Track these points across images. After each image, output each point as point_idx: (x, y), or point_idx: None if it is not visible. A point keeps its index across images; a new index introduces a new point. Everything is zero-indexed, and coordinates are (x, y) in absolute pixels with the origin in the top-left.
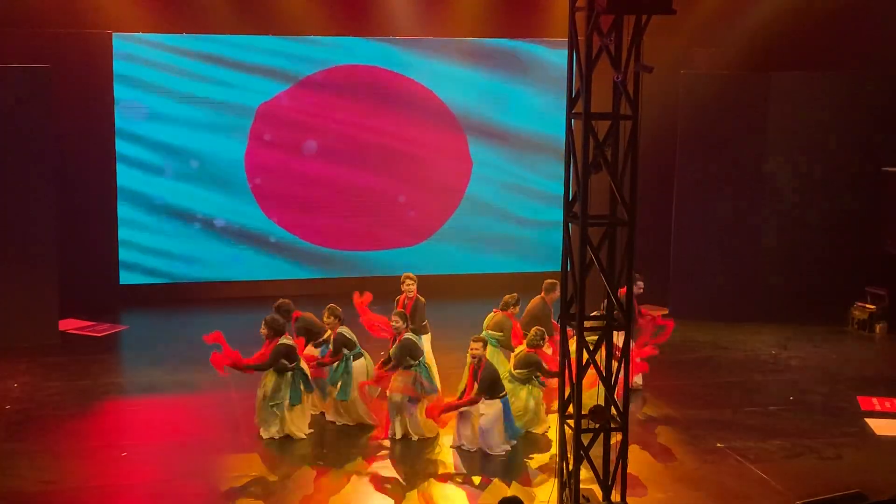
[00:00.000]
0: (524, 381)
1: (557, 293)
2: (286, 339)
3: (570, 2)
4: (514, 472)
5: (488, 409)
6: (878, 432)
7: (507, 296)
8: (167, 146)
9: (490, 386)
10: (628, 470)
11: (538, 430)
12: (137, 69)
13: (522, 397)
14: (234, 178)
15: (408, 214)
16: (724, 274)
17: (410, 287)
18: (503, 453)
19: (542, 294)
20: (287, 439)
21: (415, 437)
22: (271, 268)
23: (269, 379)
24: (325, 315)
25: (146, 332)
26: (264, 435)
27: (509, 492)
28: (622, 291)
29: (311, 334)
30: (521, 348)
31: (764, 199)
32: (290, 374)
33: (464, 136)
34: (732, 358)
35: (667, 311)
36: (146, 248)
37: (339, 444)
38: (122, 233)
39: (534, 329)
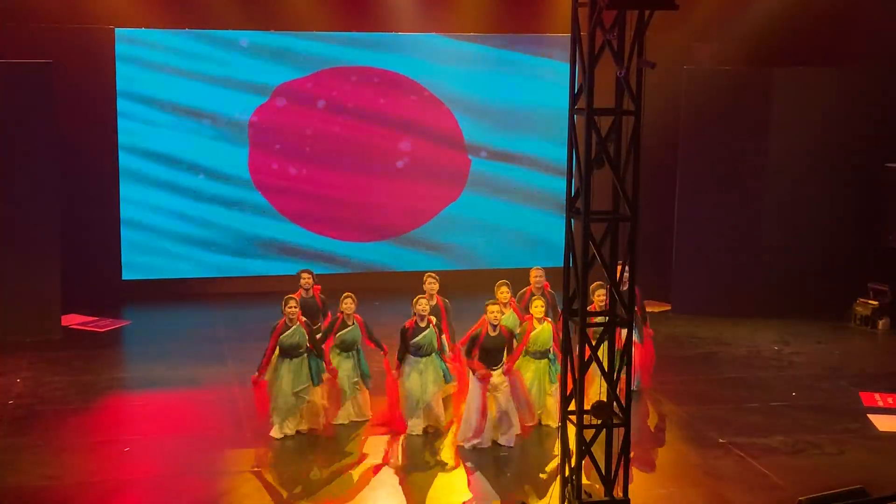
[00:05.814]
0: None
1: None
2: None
3: None
4: (516, 468)
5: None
6: (880, 428)
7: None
8: (169, 142)
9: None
10: (630, 466)
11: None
12: (139, 64)
13: (527, 378)
14: (238, 176)
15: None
16: (726, 269)
17: (433, 286)
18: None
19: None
20: (297, 435)
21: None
22: (274, 264)
23: (285, 369)
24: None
25: (149, 328)
26: (278, 435)
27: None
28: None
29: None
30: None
31: (766, 194)
32: (305, 356)
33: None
34: (734, 354)
35: (669, 308)
36: (149, 243)
37: (345, 443)
38: (125, 228)
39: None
